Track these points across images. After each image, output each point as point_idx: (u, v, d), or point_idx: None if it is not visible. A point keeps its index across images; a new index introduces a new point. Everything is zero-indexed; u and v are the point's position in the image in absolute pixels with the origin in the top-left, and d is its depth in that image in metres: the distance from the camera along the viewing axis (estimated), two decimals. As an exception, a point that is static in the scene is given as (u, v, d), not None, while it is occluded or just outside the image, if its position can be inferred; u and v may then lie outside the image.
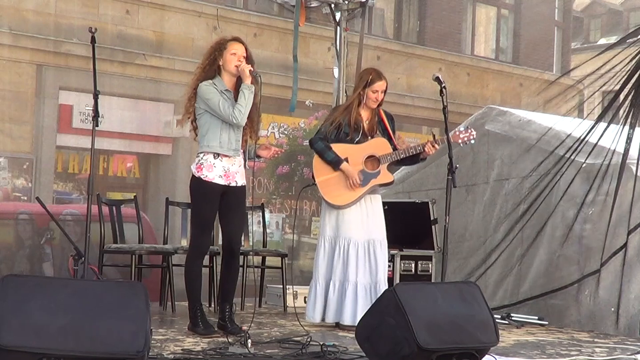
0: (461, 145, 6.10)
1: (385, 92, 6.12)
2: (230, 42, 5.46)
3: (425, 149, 5.99)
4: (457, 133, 6.05)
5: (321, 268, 6.11)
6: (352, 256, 5.99)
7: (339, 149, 6.03)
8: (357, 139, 6.04)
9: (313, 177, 6.17)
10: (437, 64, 16.97)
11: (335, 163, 6.00)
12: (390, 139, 6.10)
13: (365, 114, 6.12)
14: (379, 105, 6.14)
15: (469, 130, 6.07)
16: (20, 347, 3.67)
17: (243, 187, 5.51)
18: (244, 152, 5.54)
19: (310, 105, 14.13)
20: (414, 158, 6.12)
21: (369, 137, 6.07)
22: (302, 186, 14.61)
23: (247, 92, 5.32)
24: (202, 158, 5.39)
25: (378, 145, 6.06)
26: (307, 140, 14.06)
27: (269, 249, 7.87)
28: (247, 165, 5.55)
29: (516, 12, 19.07)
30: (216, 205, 5.41)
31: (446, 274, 5.32)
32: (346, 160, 6.00)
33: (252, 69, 5.36)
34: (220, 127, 5.35)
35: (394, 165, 6.29)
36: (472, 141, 6.08)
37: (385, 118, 6.17)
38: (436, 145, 5.98)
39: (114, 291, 4.00)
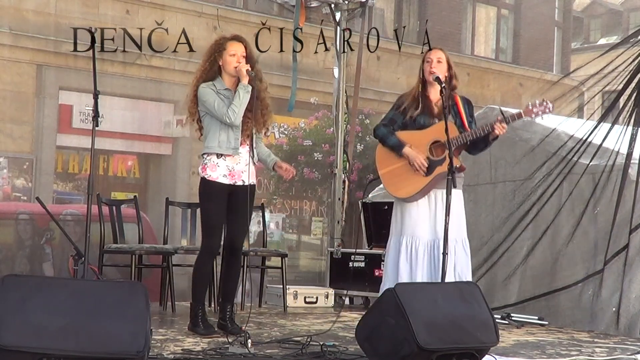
0: (535, 119, 5.53)
1: (447, 62, 5.56)
2: (229, 42, 5.43)
3: (496, 130, 5.43)
4: (530, 107, 5.46)
5: (388, 269, 5.63)
6: (420, 256, 5.47)
7: (401, 136, 5.56)
8: (424, 122, 5.54)
9: (377, 169, 5.71)
10: (437, 64, 16.94)
11: (397, 147, 5.52)
12: (462, 124, 5.52)
13: (433, 96, 5.59)
14: (450, 83, 5.51)
15: (545, 103, 5.44)
16: (20, 347, 3.67)
17: (252, 187, 5.45)
18: (252, 148, 5.47)
19: (315, 102, 14.13)
20: (486, 140, 5.53)
21: (437, 120, 5.53)
22: (302, 186, 14.78)
23: (242, 92, 5.32)
24: (205, 159, 5.39)
25: (443, 130, 5.33)
26: (308, 140, 14.19)
27: (269, 249, 7.87)
28: (255, 161, 5.50)
29: (516, 12, 19.07)
30: (223, 205, 5.38)
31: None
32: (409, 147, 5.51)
33: (249, 68, 5.36)
34: (219, 127, 5.35)
35: (469, 152, 5.71)
36: (548, 113, 5.49)
37: (460, 102, 5.59)
38: (504, 124, 5.44)
39: (113, 291, 3.99)
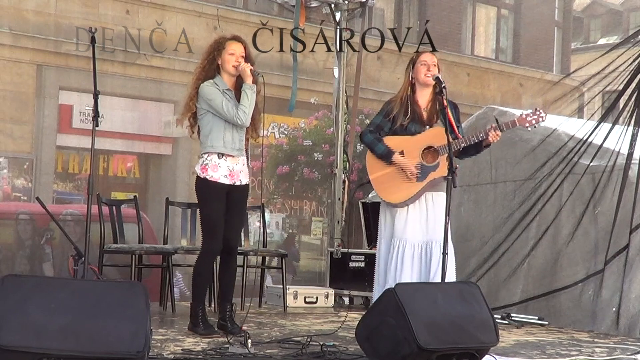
0: (529, 128, 5.56)
1: (438, 67, 5.54)
2: (228, 42, 5.44)
3: (490, 138, 5.44)
4: (524, 116, 5.49)
5: (378, 272, 5.60)
6: (407, 259, 5.41)
7: (392, 141, 5.50)
8: (415, 130, 5.50)
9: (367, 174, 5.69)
10: (437, 64, 16.93)
11: (385, 156, 5.47)
12: (452, 129, 5.43)
13: (422, 101, 5.59)
14: (441, 87, 5.36)
15: (538, 112, 5.48)
16: (20, 347, 3.67)
17: (246, 186, 5.49)
18: (246, 151, 5.52)
19: (316, 102, 14.14)
20: (477, 146, 5.54)
21: (428, 127, 5.51)
22: (302, 186, 14.77)
23: (250, 92, 5.31)
24: (206, 159, 5.37)
25: (436, 135, 5.40)
26: (308, 140, 14.19)
27: (269, 249, 7.87)
28: (249, 164, 5.53)
29: (516, 12, 19.06)
30: (223, 205, 5.38)
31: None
32: (401, 153, 5.46)
33: (252, 68, 5.35)
34: (223, 127, 5.34)
35: (458, 157, 5.59)
36: (541, 122, 5.52)
37: (448, 106, 5.47)
38: (499, 132, 5.44)
39: (114, 291, 3.99)
